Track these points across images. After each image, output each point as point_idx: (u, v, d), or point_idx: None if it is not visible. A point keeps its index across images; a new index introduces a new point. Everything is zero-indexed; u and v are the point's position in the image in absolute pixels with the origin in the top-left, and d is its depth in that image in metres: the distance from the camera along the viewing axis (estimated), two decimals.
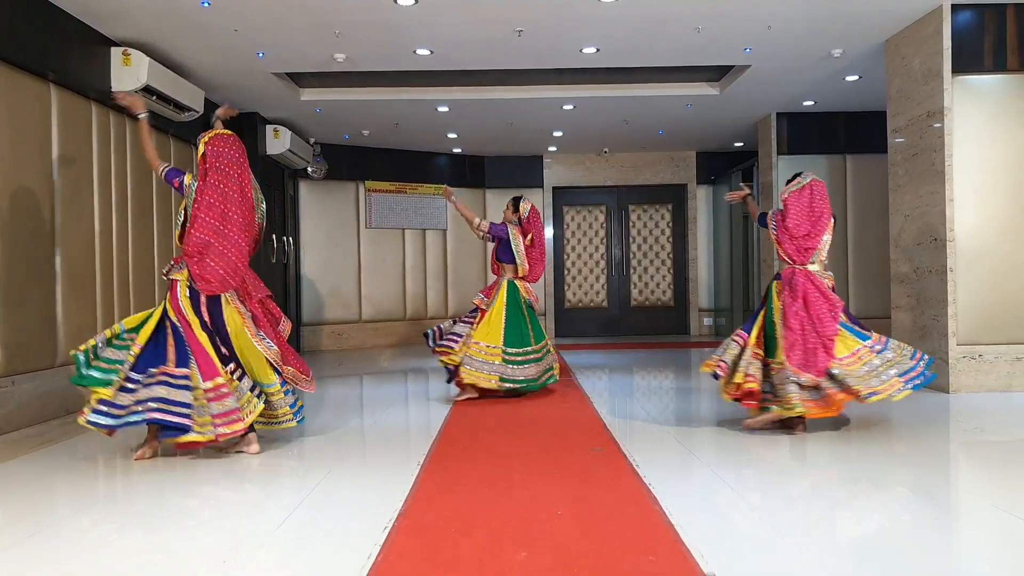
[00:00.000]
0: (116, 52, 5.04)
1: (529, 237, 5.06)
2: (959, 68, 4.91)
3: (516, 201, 5.16)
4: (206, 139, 3.43)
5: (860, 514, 2.61)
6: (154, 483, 3.02)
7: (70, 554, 2.23)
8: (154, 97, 5.32)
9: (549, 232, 10.23)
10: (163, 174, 3.54)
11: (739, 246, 9.35)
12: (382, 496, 2.70)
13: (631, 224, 10.48)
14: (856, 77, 6.58)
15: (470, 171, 10.09)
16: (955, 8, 4.88)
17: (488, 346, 4.71)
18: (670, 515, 2.42)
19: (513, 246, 4.99)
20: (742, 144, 9.52)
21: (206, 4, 4.53)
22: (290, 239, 8.41)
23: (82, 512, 2.71)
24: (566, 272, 10.46)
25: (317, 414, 4.43)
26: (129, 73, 5.05)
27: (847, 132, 7.87)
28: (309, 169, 8.42)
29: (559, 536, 2.27)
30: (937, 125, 4.97)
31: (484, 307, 4.91)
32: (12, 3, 4.14)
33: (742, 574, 1.96)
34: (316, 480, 2.96)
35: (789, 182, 3.97)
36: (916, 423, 4.03)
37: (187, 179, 3.47)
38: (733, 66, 6.51)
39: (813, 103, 7.57)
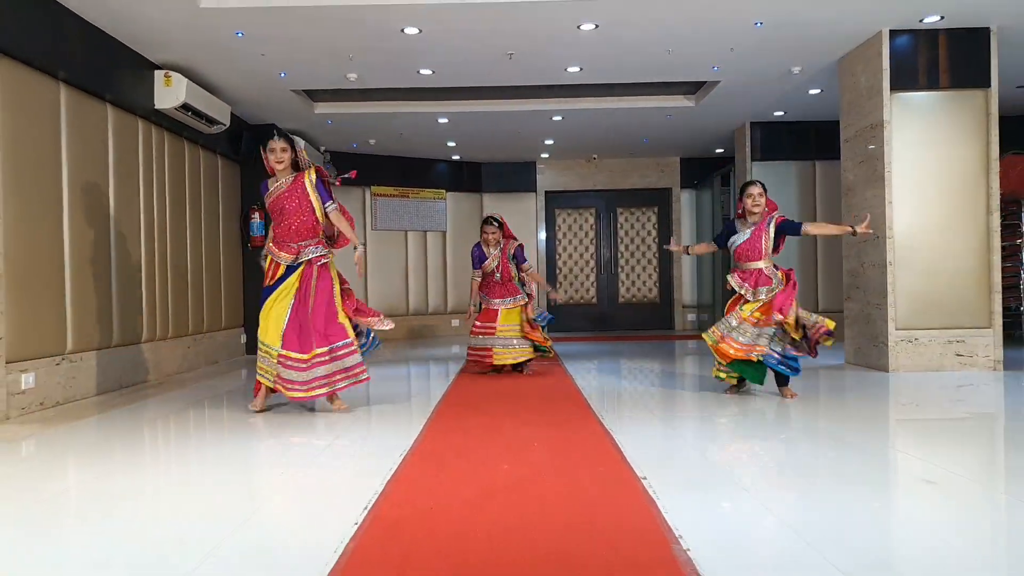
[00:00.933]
0: (159, 75, 5.74)
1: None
2: (897, 86, 5.61)
3: (497, 222, 5.78)
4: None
5: (785, 454, 3.30)
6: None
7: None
8: (190, 113, 6.02)
9: (542, 234, 10.96)
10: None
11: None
12: (402, 432, 3.40)
13: (619, 226, 11.18)
14: (818, 91, 7.28)
15: (468, 176, 10.80)
16: (893, 33, 5.57)
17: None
18: (620, 445, 3.11)
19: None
20: (722, 150, 10.22)
21: (240, 35, 5.23)
22: None
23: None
24: (558, 271, 11.16)
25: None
26: (170, 93, 5.75)
27: (815, 140, 8.56)
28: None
29: (534, 456, 2.97)
30: (878, 136, 5.67)
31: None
32: (81, 36, 4.84)
33: (666, 479, 2.65)
34: (350, 421, 3.66)
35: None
36: (861, 397, 4.71)
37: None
38: (705, 81, 7.21)
39: (783, 113, 8.27)
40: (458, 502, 2.38)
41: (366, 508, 2.30)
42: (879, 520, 2.25)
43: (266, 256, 4.17)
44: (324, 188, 4.16)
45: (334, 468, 3.00)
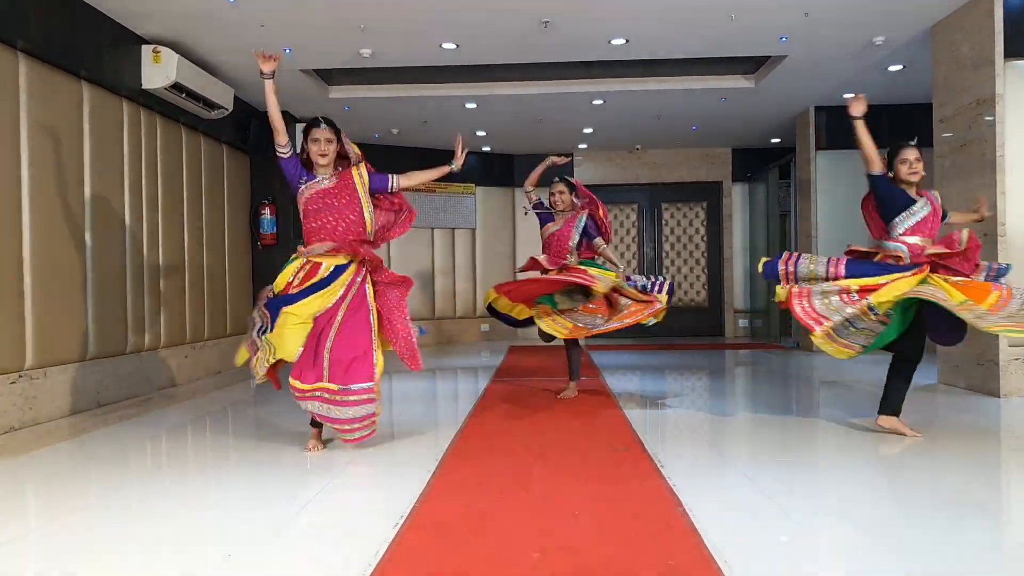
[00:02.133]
0: (147, 50, 5.07)
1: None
2: (1012, 52, 4.66)
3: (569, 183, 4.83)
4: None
5: (900, 530, 2.44)
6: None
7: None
8: (183, 95, 5.34)
9: None
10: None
11: (775, 245, 9.07)
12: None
13: (664, 223, 10.28)
14: (899, 67, 6.33)
15: (499, 169, 10.01)
16: None
17: None
18: (692, 516, 2.29)
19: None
20: (779, 140, 9.25)
21: (232, 1, 4.52)
22: None
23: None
24: None
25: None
26: (159, 71, 5.08)
27: (890, 126, 7.55)
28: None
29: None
30: (988, 116, 4.72)
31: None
32: (48, 2, 4.18)
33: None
34: (339, 470, 2.90)
35: None
36: (967, 429, 3.81)
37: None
38: (769, 57, 6.30)
39: (854, 95, 7.29)
40: None
41: None
42: None
43: (295, 258, 3.35)
44: (376, 178, 3.42)
45: (297, 552, 2.23)
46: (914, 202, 3.51)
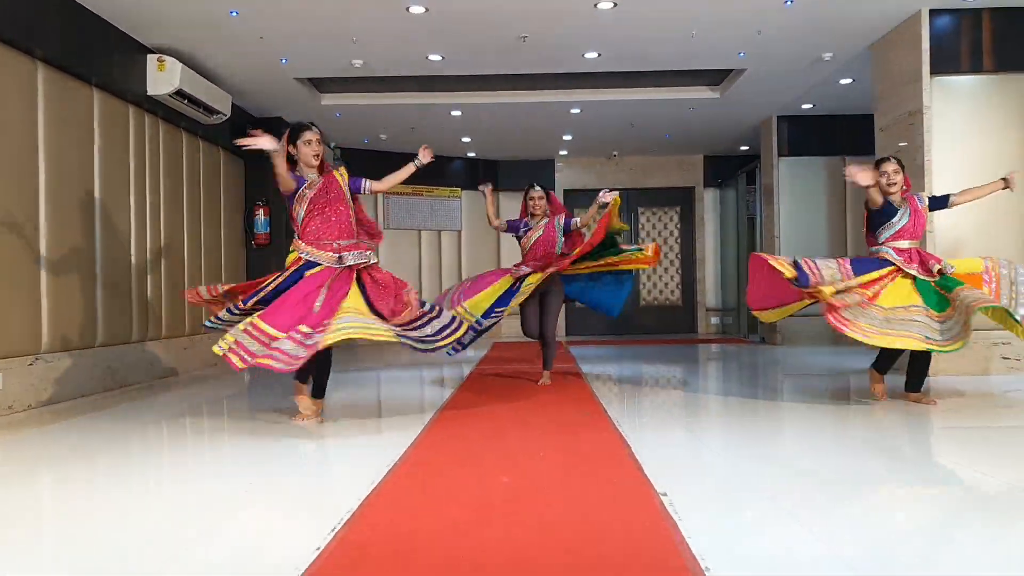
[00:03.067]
0: (152, 59, 5.47)
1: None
2: (937, 69, 5.19)
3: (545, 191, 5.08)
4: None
5: (817, 471, 2.90)
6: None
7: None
8: (185, 100, 5.75)
9: None
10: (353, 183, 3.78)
11: (745, 247, 9.61)
12: (393, 440, 3.05)
13: (640, 226, 10.78)
14: (849, 80, 6.86)
15: (484, 174, 10.46)
16: (933, 13, 5.16)
17: None
18: (636, 454, 2.74)
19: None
20: (747, 148, 9.80)
21: (234, 13, 4.95)
22: None
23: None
24: None
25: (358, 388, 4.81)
26: (163, 78, 5.48)
27: (845, 134, 8.12)
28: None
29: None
30: (916, 124, 5.24)
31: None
32: (61, 13, 4.59)
33: (690, 494, 2.27)
34: (342, 426, 3.33)
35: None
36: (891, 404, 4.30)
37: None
38: (731, 70, 6.82)
39: (811, 106, 7.85)
40: (444, 524, 2.02)
41: (333, 530, 1.95)
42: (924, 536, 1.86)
43: (293, 252, 3.64)
44: (352, 180, 3.81)
45: (316, 475, 2.66)
46: (896, 212, 4.03)
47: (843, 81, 6.88)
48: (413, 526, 2.00)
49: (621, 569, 1.67)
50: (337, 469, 2.86)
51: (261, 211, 7.59)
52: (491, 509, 2.16)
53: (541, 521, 2.04)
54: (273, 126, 7.60)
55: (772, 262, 3.97)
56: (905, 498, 2.39)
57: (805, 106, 7.85)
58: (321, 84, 7.10)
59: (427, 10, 5.02)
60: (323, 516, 2.07)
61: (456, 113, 7.82)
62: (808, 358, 6.79)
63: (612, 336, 10.39)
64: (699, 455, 2.99)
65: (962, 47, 5.20)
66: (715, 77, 7.19)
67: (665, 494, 2.24)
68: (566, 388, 4.82)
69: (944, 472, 2.78)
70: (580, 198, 10.73)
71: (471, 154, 10.10)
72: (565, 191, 10.66)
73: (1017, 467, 2.70)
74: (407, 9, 4.99)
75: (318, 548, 1.80)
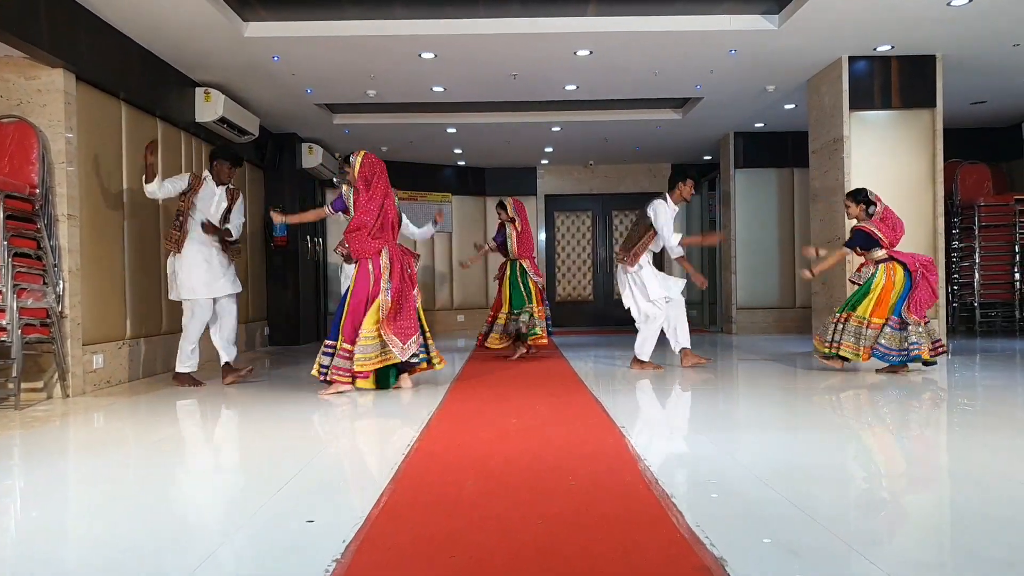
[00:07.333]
0: (199, 91, 6.44)
1: (517, 223, 6.56)
2: (855, 105, 6.33)
3: (503, 205, 6.69)
4: (360, 156, 4.83)
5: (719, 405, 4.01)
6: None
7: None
8: (225, 125, 6.72)
9: (542, 235, 11.67)
10: (329, 211, 4.94)
11: (707, 249, 10.77)
12: (425, 402, 4.12)
13: (614, 228, 11.90)
14: (793, 106, 8.01)
15: (472, 180, 11.52)
16: (851, 59, 6.30)
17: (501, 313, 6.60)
18: (604, 406, 3.83)
19: (508, 241, 6.51)
20: (710, 157, 10.93)
21: (277, 59, 5.94)
22: (320, 240, 9.80)
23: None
24: (556, 269, 11.87)
25: None
26: (209, 108, 6.45)
27: (793, 149, 9.28)
28: (335, 179, 9.83)
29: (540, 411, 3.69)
30: (839, 150, 6.39)
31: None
32: (138, 60, 5.55)
33: (636, 425, 3.35)
34: (379, 395, 4.38)
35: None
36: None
37: (344, 189, 4.89)
38: (690, 98, 7.93)
39: (763, 125, 9.00)
40: (481, 441, 3.09)
41: (409, 445, 3.01)
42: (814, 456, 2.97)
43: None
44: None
45: (379, 420, 3.71)
46: (877, 244, 5.27)
47: (787, 106, 8.02)
48: (461, 440, 3.07)
49: (594, 461, 2.75)
50: (397, 415, 3.89)
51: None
52: (509, 435, 3.23)
53: (542, 440, 3.12)
54: (288, 141, 8.64)
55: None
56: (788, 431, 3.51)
57: (758, 124, 8.99)
58: (335, 107, 8.09)
59: (436, 55, 6.06)
60: (400, 440, 3.12)
61: (451, 130, 8.85)
62: (754, 342, 7.94)
63: (589, 327, 11.50)
64: (650, 405, 4.08)
65: (875, 87, 6.34)
66: (677, 102, 8.29)
67: (623, 426, 3.33)
68: (550, 365, 5.91)
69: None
70: (559, 203, 11.84)
71: (461, 163, 11.13)
72: (547, 196, 11.74)
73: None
74: (419, 55, 6.02)
75: (403, 453, 2.86)
